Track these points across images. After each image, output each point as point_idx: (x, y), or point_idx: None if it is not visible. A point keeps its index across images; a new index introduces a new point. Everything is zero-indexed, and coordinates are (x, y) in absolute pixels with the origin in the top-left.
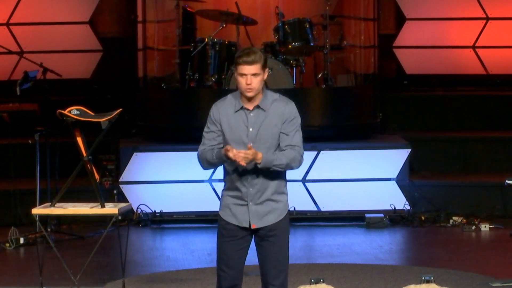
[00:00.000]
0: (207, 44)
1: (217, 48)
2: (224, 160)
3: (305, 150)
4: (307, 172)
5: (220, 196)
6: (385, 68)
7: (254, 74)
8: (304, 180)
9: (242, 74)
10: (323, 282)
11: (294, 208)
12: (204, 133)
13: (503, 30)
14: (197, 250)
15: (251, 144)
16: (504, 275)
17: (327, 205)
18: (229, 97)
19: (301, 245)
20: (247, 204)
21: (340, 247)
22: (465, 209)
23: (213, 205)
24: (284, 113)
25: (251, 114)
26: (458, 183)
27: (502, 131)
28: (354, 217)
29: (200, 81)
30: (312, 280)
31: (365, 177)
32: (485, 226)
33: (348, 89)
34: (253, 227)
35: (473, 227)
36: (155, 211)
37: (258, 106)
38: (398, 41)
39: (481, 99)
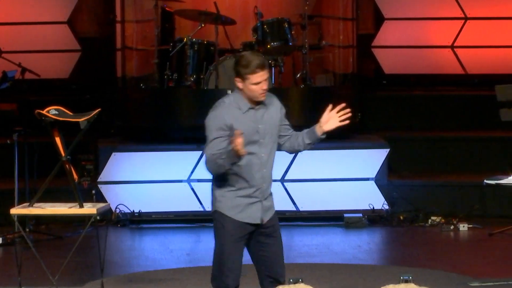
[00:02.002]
0: (185, 44)
1: (195, 48)
2: (233, 156)
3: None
4: (285, 172)
5: (198, 196)
6: (364, 68)
7: (267, 78)
8: (282, 180)
9: (257, 83)
10: (302, 282)
11: None
12: (209, 141)
13: (481, 30)
14: (176, 250)
15: (262, 140)
16: (482, 275)
17: (305, 205)
18: (228, 101)
19: None
20: (260, 201)
21: (318, 247)
22: (444, 209)
23: (192, 205)
24: (280, 107)
25: (258, 112)
26: (437, 183)
27: (480, 131)
28: (333, 217)
29: (179, 81)
30: (291, 280)
31: (344, 177)
32: (464, 226)
33: (327, 89)
34: (263, 221)
35: (452, 227)
36: (133, 211)
37: (262, 103)
38: (377, 41)
39: (459, 99)
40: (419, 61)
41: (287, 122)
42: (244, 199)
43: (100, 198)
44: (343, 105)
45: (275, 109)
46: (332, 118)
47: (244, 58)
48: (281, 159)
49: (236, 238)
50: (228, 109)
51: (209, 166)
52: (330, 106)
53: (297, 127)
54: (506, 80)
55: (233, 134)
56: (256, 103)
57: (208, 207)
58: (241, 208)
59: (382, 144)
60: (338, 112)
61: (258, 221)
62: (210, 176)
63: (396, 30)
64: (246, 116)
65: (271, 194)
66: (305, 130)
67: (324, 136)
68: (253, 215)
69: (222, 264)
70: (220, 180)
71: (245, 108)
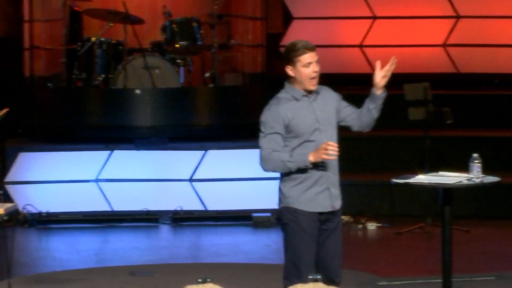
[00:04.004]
0: (94, 43)
1: (104, 48)
2: (305, 164)
3: (191, 149)
4: (194, 172)
5: (106, 196)
6: (272, 67)
7: (317, 61)
8: (191, 180)
9: (308, 64)
10: (210, 281)
11: (181, 208)
12: (266, 135)
13: (389, 29)
14: (84, 250)
15: (322, 127)
16: (391, 274)
17: (214, 205)
18: (282, 95)
19: (188, 245)
20: (328, 188)
21: (227, 246)
22: (352, 208)
23: (100, 205)
24: (335, 94)
25: (313, 100)
26: (345, 182)
27: (388, 130)
28: (241, 217)
29: (87, 80)
30: (199, 280)
31: (252, 176)
32: (372, 225)
33: (235, 88)
34: (334, 208)
35: (360, 226)
36: (41, 211)
37: (316, 90)
38: (286, 40)
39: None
40: (328, 60)
41: (347, 104)
42: (312, 189)
43: (7, 198)
44: (393, 58)
45: (330, 97)
46: (380, 74)
47: (291, 44)
48: (189, 158)
49: (310, 233)
50: (284, 104)
51: (267, 163)
52: (378, 64)
53: (206, 127)
54: (414, 79)
55: (293, 129)
56: (310, 92)
57: (116, 207)
58: (311, 198)
59: None
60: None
61: (329, 209)
62: (119, 176)
63: (305, 30)
64: (303, 105)
65: (338, 183)
66: (366, 100)
67: (384, 94)
68: (323, 203)
69: (298, 260)
70: (286, 175)
71: (300, 97)
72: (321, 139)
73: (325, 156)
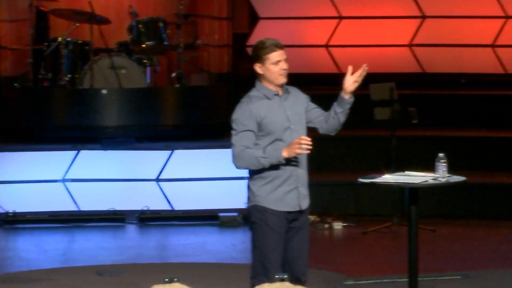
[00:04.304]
0: (60, 43)
1: (70, 48)
2: (278, 160)
3: (158, 149)
4: (161, 171)
5: (73, 196)
6: (239, 67)
7: (285, 59)
8: (157, 180)
9: (277, 62)
10: (177, 281)
11: (148, 208)
12: (238, 133)
13: (355, 29)
14: (51, 250)
15: (292, 126)
16: (357, 273)
17: (180, 204)
18: (253, 93)
19: (154, 245)
20: (296, 187)
21: (194, 246)
22: (319, 208)
23: (66, 205)
24: (304, 95)
25: (284, 99)
26: (311, 182)
27: (354, 130)
28: (208, 216)
29: (54, 80)
30: (166, 280)
31: (219, 176)
32: (338, 225)
33: (202, 88)
34: (301, 207)
35: (326, 226)
36: (8, 211)
37: (286, 90)
38: (252, 40)
39: (334, 98)
40: (295, 60)
41: (315, 106)
42: (281, 188)
43: None
44: (364, 65)
45: (299, 97)
46: (351, 79)
47: (259, 42)
48: (156, 158)
49: (278, 232)
50: (256, 102)
51: (240, 160)
52: (350, 69)
53: (173, 127)
54: (380, 79)
55: (265, 127)
56: (281, 89)
57: (83, 207)
58: (280, 198)
59: None
60: (353, 74)
61: (297, 208)
62: (86, 176)
63: (271, 30)
64: (274, 104)
65: (307, 183)
66: (334, 104)
67: (352, 99)
68: (291, 202)
69: (266, 259)
70: (255, 173)
71: (271, 95)
72: (292, 138)
73: (298, 151)
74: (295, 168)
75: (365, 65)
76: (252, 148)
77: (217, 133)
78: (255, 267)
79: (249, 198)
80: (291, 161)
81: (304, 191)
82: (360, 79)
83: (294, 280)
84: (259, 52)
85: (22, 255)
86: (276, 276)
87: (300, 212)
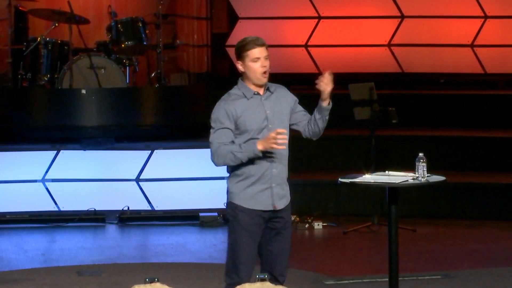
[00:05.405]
0: (39, 43)
1: (49, 48)
2: (255, 153)
3: (138, 149)
4: (140, 171)
5: (53, 196)
6: (218, 67)
7: (266, 57)
8: (138, 179)
9: (256, 59)
10: (158, 281)
11: (128, 208)
12: (216, 130)
13: (334, 29)
14: (31, 250)
15: (270, 125)
16: (337, 273)
17: (161, 204)
18: (233, 91)
19: (135, 245)
20: (270, 187)
21: (174, 246)
22: (299, 208)
23: (46, 205)
24: (290, 96)
25: (265, 98)
26: (291, 181)
27: (334, 130)
28: (188, 216)
29: (33, 80)
30: (147, 280)
31: (199, 176)
32: (318, 225)
33: (181, 88)
34: (275, 207)
35: (307, 225)
36: None
37: (268, 89)
38: (231, 40)
39: (314, 98)
40: (274, 60)
41: (302, 109)
42: (253, 187)
43: None
44: (327, 72)
45: (285, 97)
46: (321, 86)
47: (241, 39)
48: (136, 158)
49: (250, 230)
50: (233, 100)
51: (218, 157)
52: (321, 77)
53: (152, 126)
54: (359, 79)
55: (241, 126)
56: (262, 89)
57: (63, 207)
58: (251, 196)
59: None
60: (321, 79)
61: (270, 207)
62: (66, 176)
63: (250, 29)
64: (252, 103)
65: (286, 184)
66: (314, 110)
67: (330, 106)
68: (264, 201)
69: (236, 258)
70: (231, 171)
71: (250, 95)
72: None
73: (274, 146)
74: (269, 167)
75: (328, 71)
76: (228, 144)
77: (196, 132)
78: (228, 264)
79: (227, 195)
80: (266, 159)
81: (279, 191)
82: (329, 84)
83: (272, 280)
84: (240, 50)
85: (2, 255)
86: (245, 275)
87: (279, 211)
